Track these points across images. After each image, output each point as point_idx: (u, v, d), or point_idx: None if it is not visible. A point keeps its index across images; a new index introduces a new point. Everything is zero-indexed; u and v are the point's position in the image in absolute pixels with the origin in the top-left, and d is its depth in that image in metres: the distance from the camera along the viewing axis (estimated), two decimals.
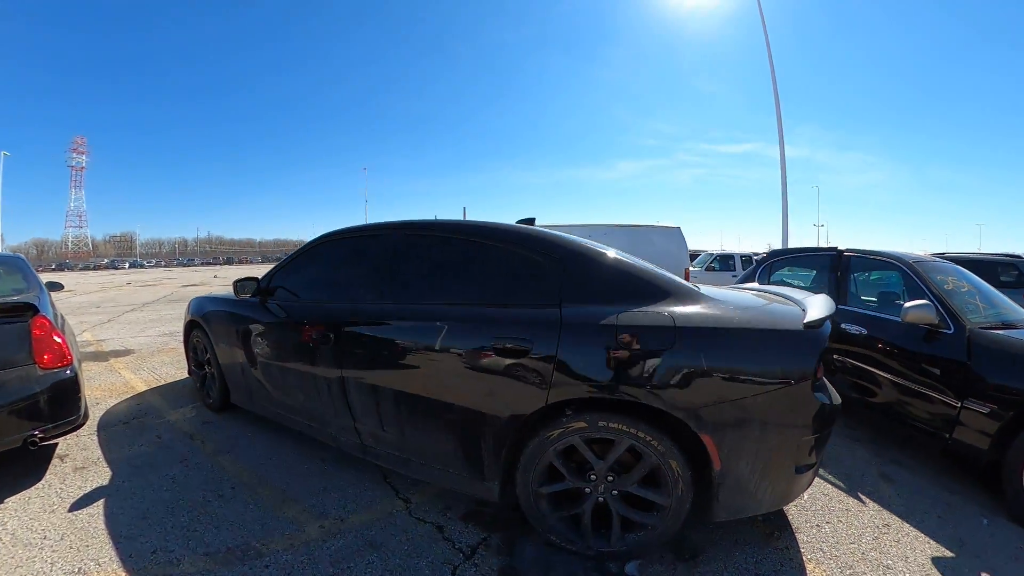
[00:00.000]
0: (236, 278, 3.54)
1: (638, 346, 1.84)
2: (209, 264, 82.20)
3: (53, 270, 61.41)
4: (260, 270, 37.55)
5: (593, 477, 2.03)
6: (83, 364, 5.58)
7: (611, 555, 2.05)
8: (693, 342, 1.83)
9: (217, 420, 3.92)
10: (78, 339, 7.62)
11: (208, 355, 4.01)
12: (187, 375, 4.94)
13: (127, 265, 74.76)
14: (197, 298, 4.34)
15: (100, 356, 6.49)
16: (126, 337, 7.96)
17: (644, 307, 1.92)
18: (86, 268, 69.65)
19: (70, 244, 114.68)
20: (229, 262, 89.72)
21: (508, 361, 2.03)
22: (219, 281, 24.27)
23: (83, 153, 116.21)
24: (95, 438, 3.58)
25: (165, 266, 74.45)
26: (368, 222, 3.39)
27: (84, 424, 3.10)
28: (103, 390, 4.80)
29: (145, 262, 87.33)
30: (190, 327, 4.31)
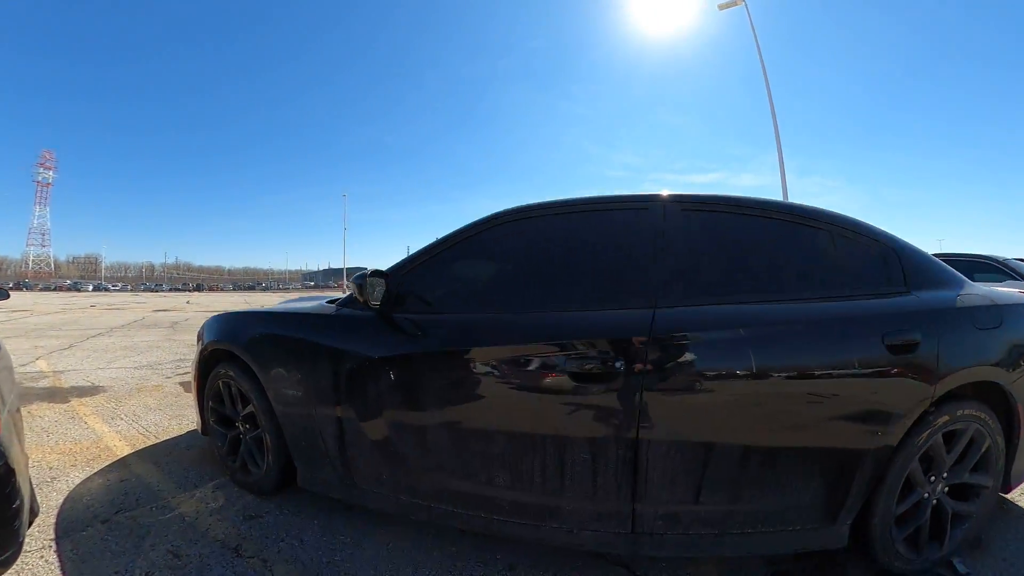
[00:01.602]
0: (355, 275, 2.10)
1: (991, 325, 1.87)
2: (178, 290, 78.89)
3: (10, 288, 57.62)
4: (232, 299, 35.41)
5: (933, 478, 1.87)
6: (32, 407, 4.15)
7: (941, 561, 1.91)
8: (1014, 318, 1.93)
9: (272, 512, 2.35)
10: (30, 369, 5.99)
11: (250, 407, 2.48)
12: (196, 430, 3.38)
13: (91, 287, 71.09)
14: (224, 315, 2.81)
15: (57, 394, 4.81)
16: (92, 369, 6.25)
17: (961, 290, 1.96)
18: (46, 288, 65.85)
19: (31, 263, 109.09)
20: (199, 288, 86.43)
21: (891, 359, 1.71)
22: (193, 307, 22.16)
23: (51, 168, 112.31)
24: (53, 555, 1.99)
25: (131, 290, 70.97)
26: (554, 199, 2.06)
27: (20, 549, 1.54)
28: (63, 452, 3.18)
29: (110, 285, 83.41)
30: (210, 360, 2.77)
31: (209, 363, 2.78)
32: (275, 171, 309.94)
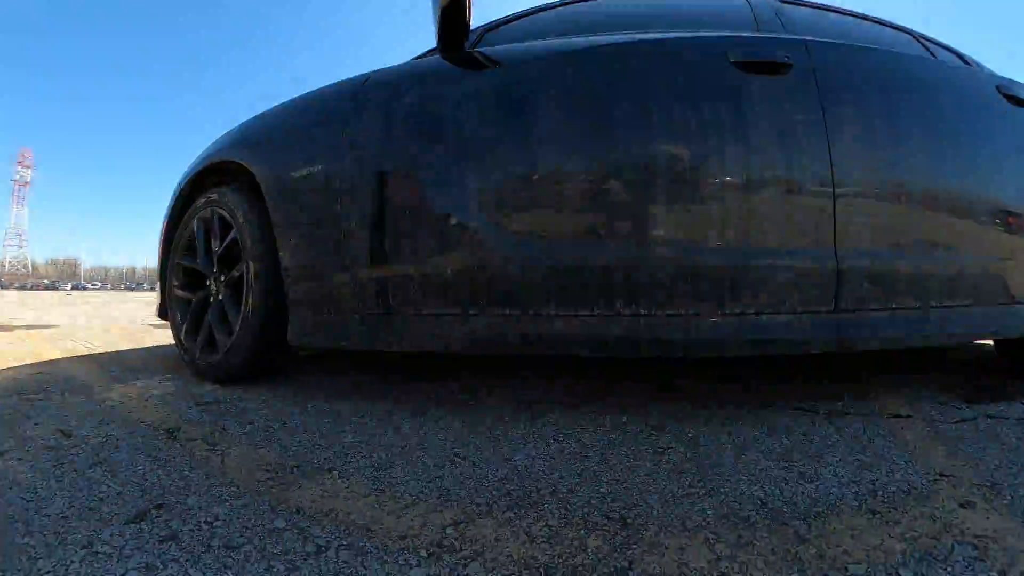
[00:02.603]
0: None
1: None
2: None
3: None
4: None
5: None
6: None
7: None
8: None
9: (238, 398, 1.62)
10: None
11: (232, 234, 1.82)
12: (159, 346, 2.66)
13: (69, 287, 69.13)
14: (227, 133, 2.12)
15: (3, 329, 4.06)
16: (50, 318, 5.48)
17: None
18: (23, 288, 63.89)
19: (7, 264, 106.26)
20: None
21: None
22: None
23: (29, 167, 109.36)
24: None
25: (112, 288, 69.37)
26: None
27: None
28: None
29: (89, 284, 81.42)
30: (189, 199, 2.14)
31: (187, 202, 2.14)
32: None
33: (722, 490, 0.97)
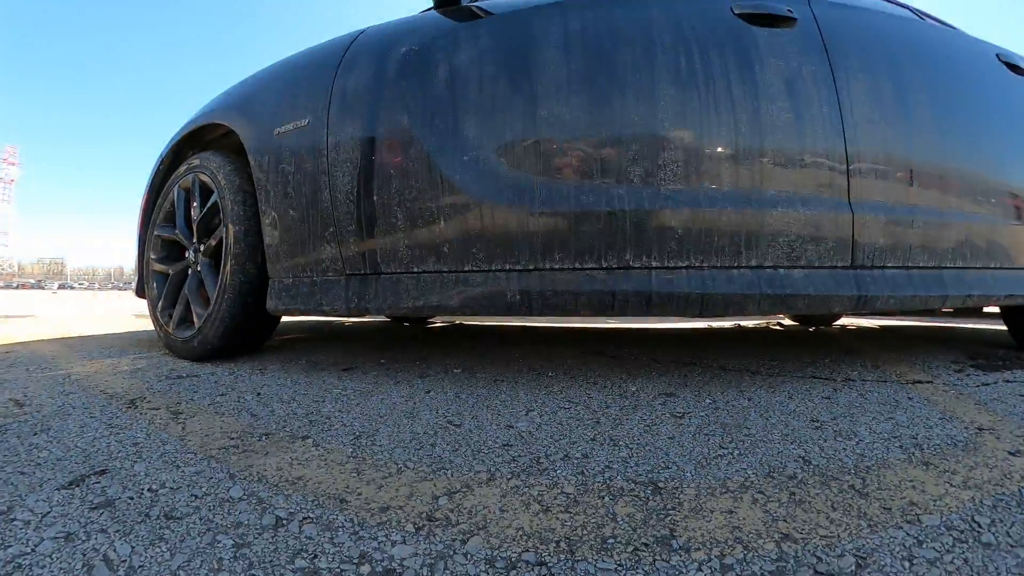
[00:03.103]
0: None
1: None
2: None
3: None
4: None
5: None
6: None
7: None
8: None
9: (210, 373, 1.46)
10: None
11: (213, 198, 1.69)
12: (137, 331, 2.52)
13: (56, 286, 68.22)
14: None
15: None
16: (30, 311, 5.29)
17: None
18: (7, 287, 63.03)
19: None
20: None
21: None
22: None
23: (14, 164, 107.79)
24: None
25: (99, 288, 68.53)
26: None
27: None
28: None
29: (76, 284, 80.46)
30: (171, 169, 2.02)
31: (169, 172, 2.02)
32: None
33: (757, 450, 0.85)
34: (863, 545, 0.57)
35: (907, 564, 0.54)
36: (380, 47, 1.44)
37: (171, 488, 0.71)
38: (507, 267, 1.19)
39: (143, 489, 0.70)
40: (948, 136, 1.41)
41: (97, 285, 77.18)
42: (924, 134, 1.37)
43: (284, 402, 1.16)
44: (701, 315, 1.15)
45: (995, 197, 1.47)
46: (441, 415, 1.06)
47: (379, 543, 0.59)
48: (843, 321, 3.49)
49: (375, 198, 1.29)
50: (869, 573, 0.53)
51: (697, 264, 1.15)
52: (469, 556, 0.57)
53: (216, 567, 0.54)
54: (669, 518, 0.64)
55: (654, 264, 1.14)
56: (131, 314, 4.51)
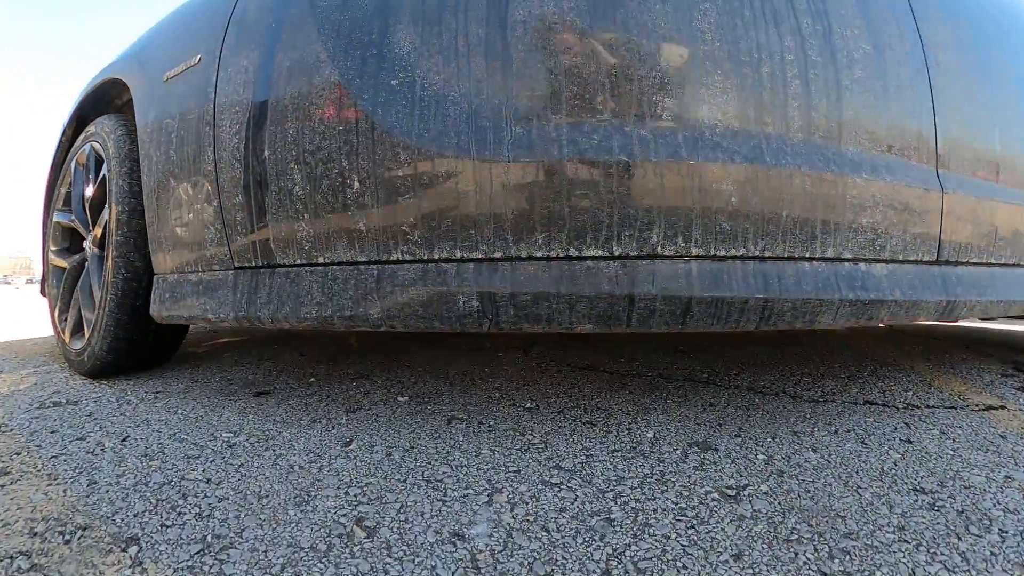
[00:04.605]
0: None
1: None
2: None
3: None
4: None
5: None
6: None
7: None
8: None
9: (101, 398, 1.12)
10: None
11: (103, 170, 1.34)
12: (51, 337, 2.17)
13: (24, 280, 66.05)
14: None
15: None
16: None
17: None
18: None
19: None
20: None
21: None
22: None
23: None
24: None
25: None
26: None
27: None
28: None
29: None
30: (78, 126, 1.68)
31: (70, 144, 1.70)
32: None
33: (879, 570, 0.55)
34: None
35: None
36: None
37: None
38: (459, 255, 0.79)
39: None
40: None
41: None
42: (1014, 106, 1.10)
43: (147, 458, 0.82)
44: (758, 327, 0.81)
45: None
46: (350, 502, 0.70)
47: None
48: None
49: (266, 154, 0.90)
50: None
51: (757, 253, 0.80)
52: None
53: None
54: None
55: (694, 251, 0.78)
56: None
